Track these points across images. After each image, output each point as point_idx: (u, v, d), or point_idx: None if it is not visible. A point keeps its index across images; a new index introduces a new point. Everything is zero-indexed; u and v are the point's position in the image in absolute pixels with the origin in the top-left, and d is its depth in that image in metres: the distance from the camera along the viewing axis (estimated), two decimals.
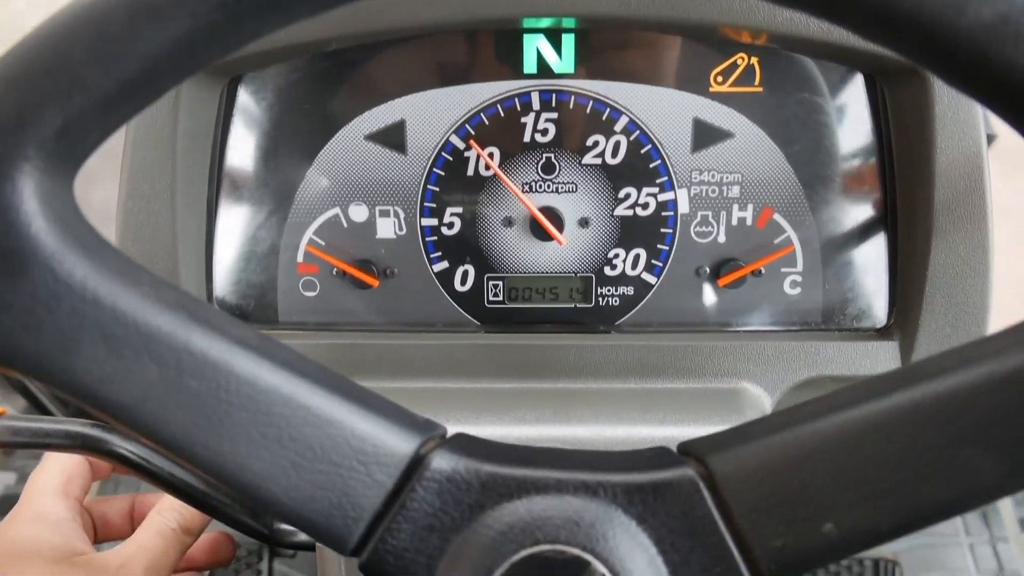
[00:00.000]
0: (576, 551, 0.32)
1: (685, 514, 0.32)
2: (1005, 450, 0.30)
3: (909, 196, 0.62)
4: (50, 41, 0.28)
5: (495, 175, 0.65)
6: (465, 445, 0.35)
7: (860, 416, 0.31)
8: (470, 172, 0.65)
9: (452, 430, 0.36)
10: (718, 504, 0.32)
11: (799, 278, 0.66)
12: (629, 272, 0.67)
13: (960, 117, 0.59)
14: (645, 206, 0.65)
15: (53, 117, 0.28)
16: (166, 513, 0.56)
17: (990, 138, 0.95)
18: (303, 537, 0.59)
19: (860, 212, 0.65)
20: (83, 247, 0.30)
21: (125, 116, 0.30)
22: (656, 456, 0.35)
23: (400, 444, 0.33)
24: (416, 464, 0.33)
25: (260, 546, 1.12)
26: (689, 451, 0.34)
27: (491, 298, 0.67)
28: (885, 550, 1.12)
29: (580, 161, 0.65)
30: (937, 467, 0.30)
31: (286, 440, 0.31)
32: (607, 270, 0.67)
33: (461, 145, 0.65)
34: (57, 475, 0.57)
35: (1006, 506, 1.26)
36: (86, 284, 0.29)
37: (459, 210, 0.66)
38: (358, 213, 0.66)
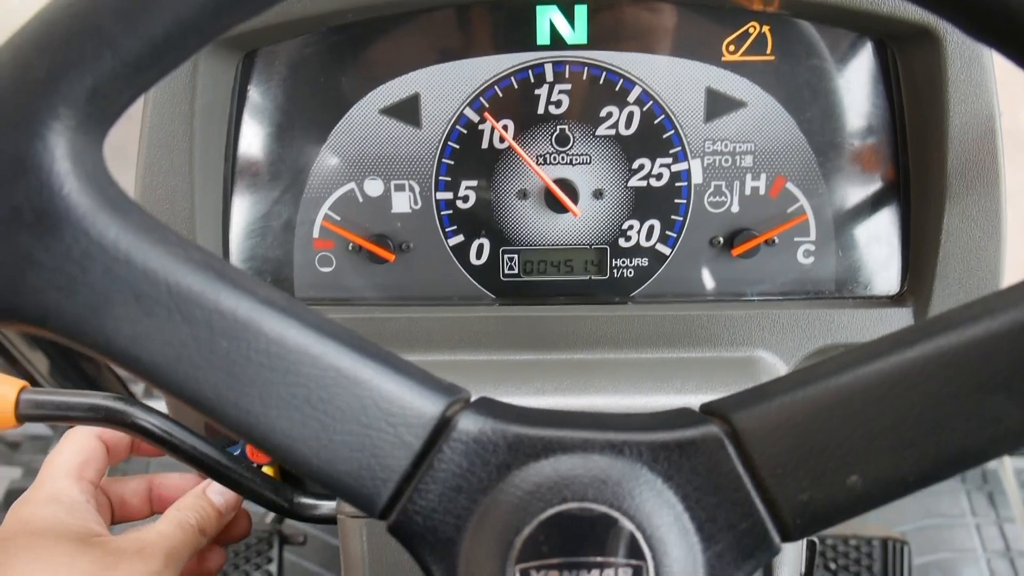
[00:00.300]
0: (603, 508, 0.32)
1: (710, 471, 0.33)
2: None
3: (922, 162, 0.62)
4: (81, 3, 0.29)
5: (509, 148, 0.65)
6: (490, 407, 0.35)
7: (883, 368, 0.31)
8: (484, 145, 0.65)
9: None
10: (743, 460, 0.32)
11: (812, 247, 0.67)
12: (643, 243, 0.67)
13: (973, 80, 0.59)
14: (659, 177, 0.66)
15: (84, 78, 0.29)
16: (186, 510, 0.56)
17: None
18: (324, 510, 0.60)
19: (873, 179, 0.66)
20: (114, 207, 0.30)
21: (153, 78, 0.31)
22: (680, 415, 0.35)
23: (427, 406, 0.33)
24: (443, 425, 0.33)
25: (270, 534, 1.13)
26: (713, 410, 0.35)
27: (506, 271, 0.68)
28: (894, 530, 1.13)
29: (594, 132, 0.65)
30: (962, 415, 0.30)
31: (315, 400, 0.32)
32: (621, 241, 0.67)
33: (475, 118, 0.65)
34: (73, 457, 0.57)
35: (1012, 488, 1.27)
36: (118, 244, 0.30)
37: (474, 183, 0.66)
38: (373, 188, 0.66)
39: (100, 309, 0.30)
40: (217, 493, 0.58)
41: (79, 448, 0.57)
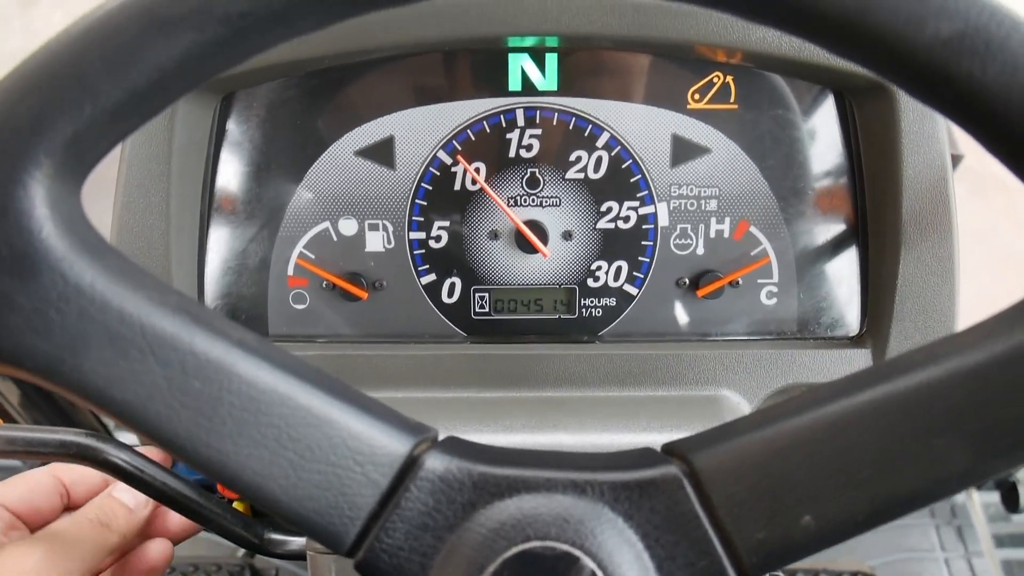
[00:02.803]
0: (566, 547, 0.32)
1: (670, 510, 0.33)
2: (972, 440, 0.31)
3: (879, 209, 0.65)
4: (63, 53, 0.30)
5: (481, 189, 0.66)
6: (457, 447, 0.35)
7: (836, 411, 0.32)
8: (457, 187, 0.67)
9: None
10: (701, 500, 0.33)
11: (775, 288, 0.68)
12: (611, 284, 0.68)
13: (925, 132, 0.61)
14: (626, 219, 0.67)
15: (65, 126, 0.29)
16: (87, 508, 0.55)
17: (957, 158, 0.98)
18: (294, 546, 0.60)
19: (832, 224, 0.68)
20: (91, 251, 0.31)
21: (133, 126, 0.31)
22: (641, 456, 0.36)
23: (394, 445, 0.34)
24: (410, 464, 0.34)
25: (242, 568, 1.12)
26: (673, 450, 0.35)
27: (477, 310, 0.69)
28: (864, 564, 1.14)
29: (563, 176, 0.67)
30: (909, 458, 0.31)
31: (285, 440, 0.32)
32: (590, 282, 0.68)
33: (448, 160, 0.66)
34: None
35: (980, 522, 1.27)
36: (94, 287, 0.30)
37: (446, 224, 0.67)
38: (348, 227, 0.67)
39: (75, 350, 0.30)
40: (123, 490, 0.57)
41: (24, 482, 0.56)
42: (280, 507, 0.33)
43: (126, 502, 0.57)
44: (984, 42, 0.28)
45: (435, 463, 0.34)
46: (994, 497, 1.30)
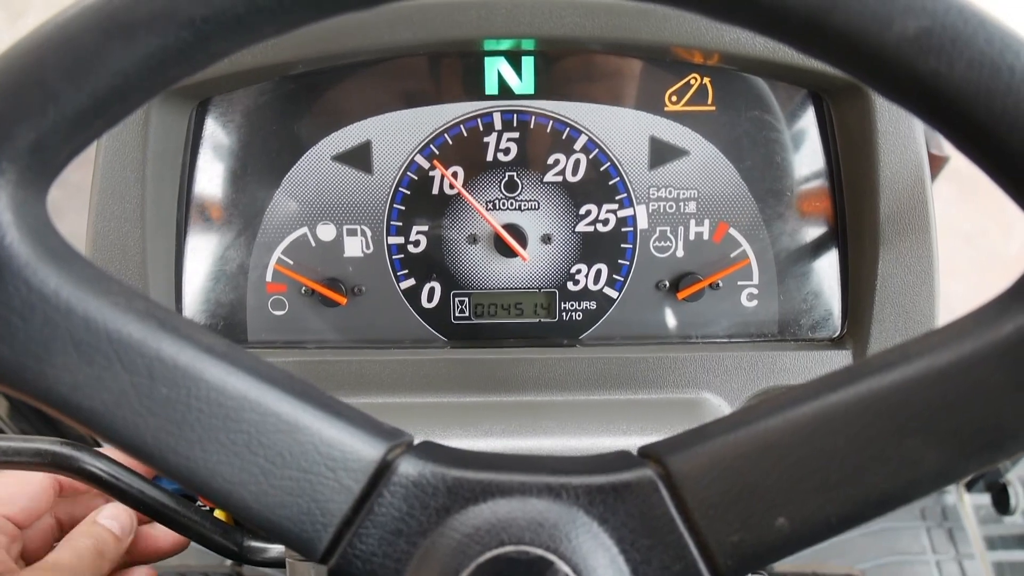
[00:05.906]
0: (540, 551, 0.32)
1: (644, 514, 0.33)
2: (945, 440, 0.31)
3: (857, 209, 0.65)
4: (25, 58, 0.29)
5: (459, 194, 0.66)
6: (431, 451, 0.35)
7: (809, 412, 0.32)
8: (435, 191, 0.66)
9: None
10: (676, 503, 0.33)
11: (755, 290, 0.68)
12: (591, 287, 0.68)
13: (901, 132, 0.61)
14: (605, 222, 0.67)
15: (27, 132, 0.29)
16: (79, 536, 0.55)
17: (943, 160, 0.98)
18: (273, 554, 0.59)
19: (812, 226, 0.68)
20: (56, 258, 0.30)
21: (98, 131, 0.31)
22: (617, 459, 0.36)
23: (367, 450, 0.33)
24: (383, 470, 0.33)
25: None
26: (648, 453, 0.35)
27: (457, 314, 0.69)
28: (854, 568, 1.13)
29: (542, 179, 0.66)
30: (881, 458, 0.31)
31: (255, 446, 0.32)
32: (570, 285, 0.68)
33: (426, 165, 0.66)
34: (3, 488, 0.55)
35: (971, 525, 1.27)
36: (59, 293, 0.30)
37: (425, 228, 0.67)
38: (326, 232, 0.67)
39: (40, 357, 0.30)
40: (109, 517, 0.57)
41: (15, 480, 0.56)
42: (251, 514, 0.32)
43: (113, 530, 0.57)
44: (951, 39, 0.28)
45: (409, 468, 0.34)
46: (985, 499, 1.31)
